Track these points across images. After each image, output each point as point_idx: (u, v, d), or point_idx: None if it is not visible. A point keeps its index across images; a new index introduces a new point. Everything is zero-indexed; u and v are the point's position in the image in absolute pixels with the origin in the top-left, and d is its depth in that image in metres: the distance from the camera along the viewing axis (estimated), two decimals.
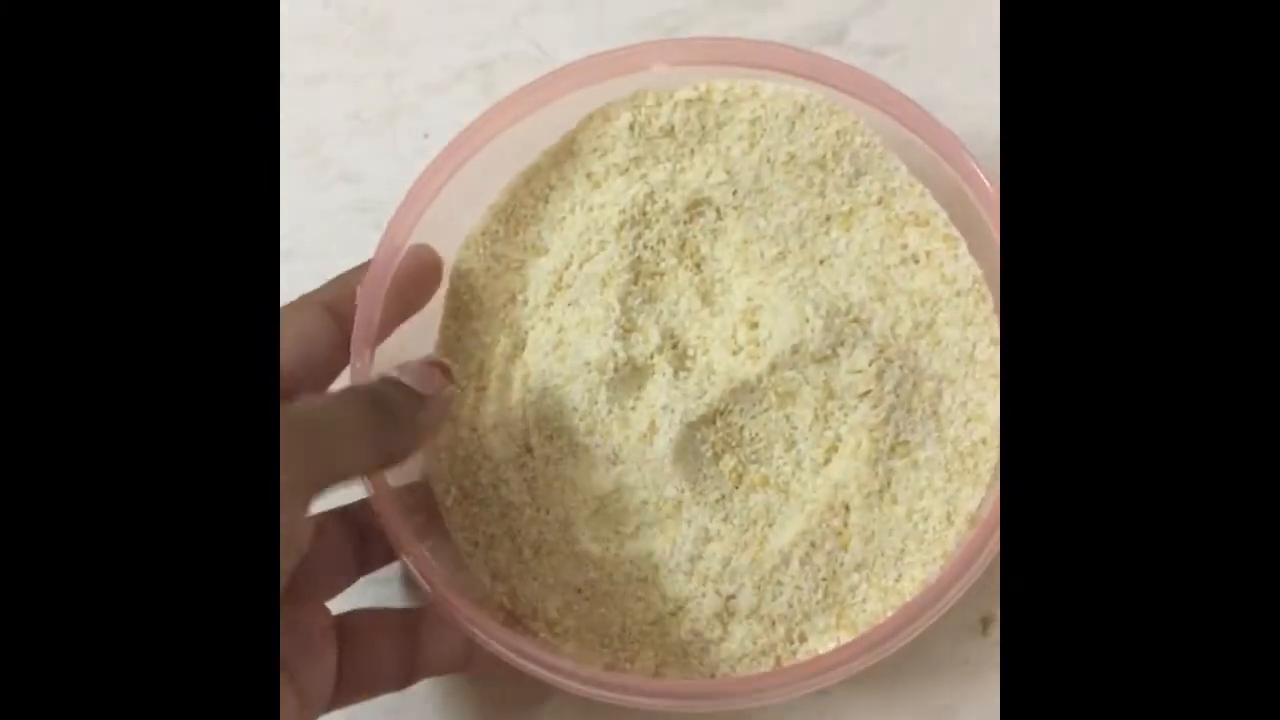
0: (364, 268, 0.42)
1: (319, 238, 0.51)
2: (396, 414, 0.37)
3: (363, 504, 0.40)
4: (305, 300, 0.42)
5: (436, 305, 0.45)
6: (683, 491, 0.40)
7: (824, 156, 0.43)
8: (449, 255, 0.45)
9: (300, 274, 0.50)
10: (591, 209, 0.44)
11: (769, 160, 0.43)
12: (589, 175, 0.44)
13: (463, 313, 0.44)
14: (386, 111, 0.52)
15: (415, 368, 0.39)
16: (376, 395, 0.37)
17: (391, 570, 0.44)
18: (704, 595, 0.40)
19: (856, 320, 0.41)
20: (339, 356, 0.41)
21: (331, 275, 0.46)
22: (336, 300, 0.41)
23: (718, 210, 0.43)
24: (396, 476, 0.40)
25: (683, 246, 0.43)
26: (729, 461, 0.41)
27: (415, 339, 0.44)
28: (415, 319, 0.44)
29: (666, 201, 0.43)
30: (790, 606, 0.40)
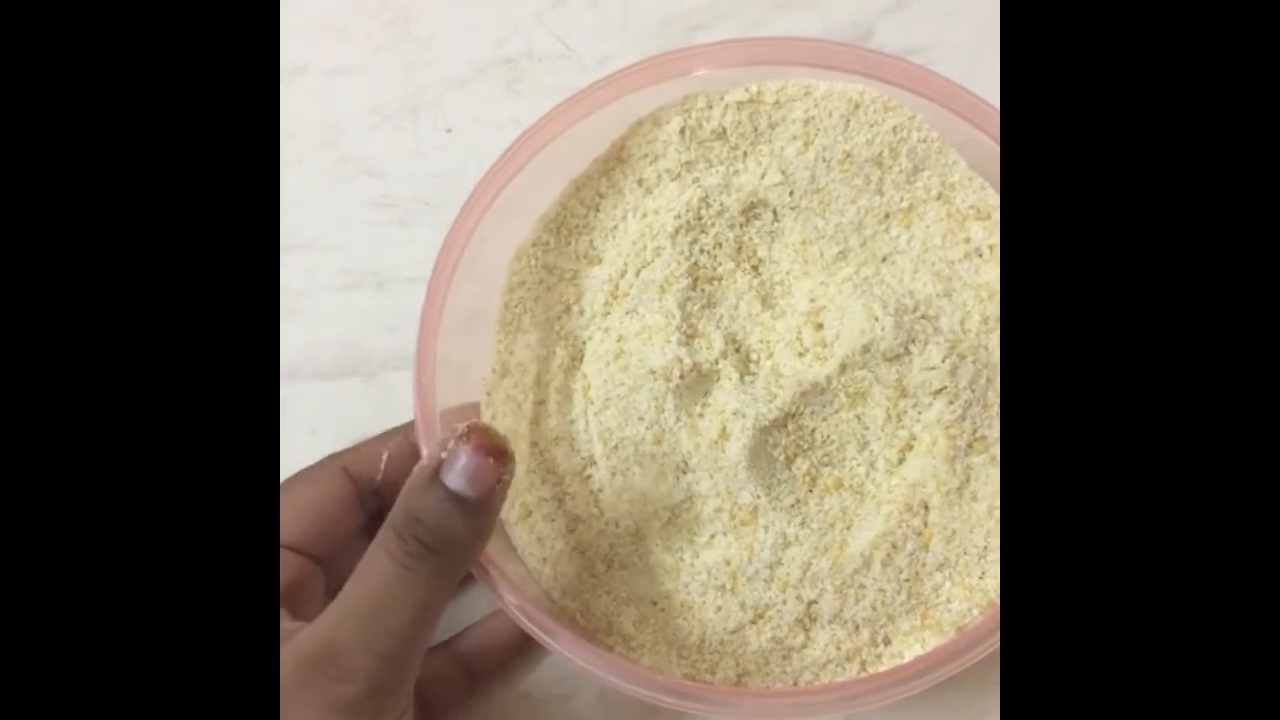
0: (393, 434, 0.42)
1: (339, 232, 0.50)
2: (449, 548, 0.35)
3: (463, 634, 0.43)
4: (326, 463, 0.41)
5: (490, 320, 0.44)
6: (758, 497, 0.40)
7: (880, 153, 0.43)
8: (497, 272, 0.44)
9: (320, 268, 0.50)
10: (645, 215, 0.43)
11: (824, 159, 0.43)
12: (640, 181, 0.44)
13: (515, 326, 0.44)
14: (408, 106, 0.52)
15: (468, 466, 0.35)
16: (421, 540, 0.35)
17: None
18: (784, 602, 0.39)
19: (925, 317, 0.41)
20: (352, 516, 0.41)
21: (350, 270, 0.46)
22: (358, 463, 0.41)
23: (774, 212, 0.43)
24: None
25: (740, 250, 0.43)
26: (802, 465, 0.40)
27: (471, 357, 0.43)
28: (468, 338, 0.43)
29: (721, 205, 0.43)
30: (874, 609, 0.39)
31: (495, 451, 0.35)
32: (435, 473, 0.35)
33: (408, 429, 0.41)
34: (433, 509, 0.35)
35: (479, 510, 0.35)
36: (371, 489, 0.41)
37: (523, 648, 0.43)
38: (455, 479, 0.35)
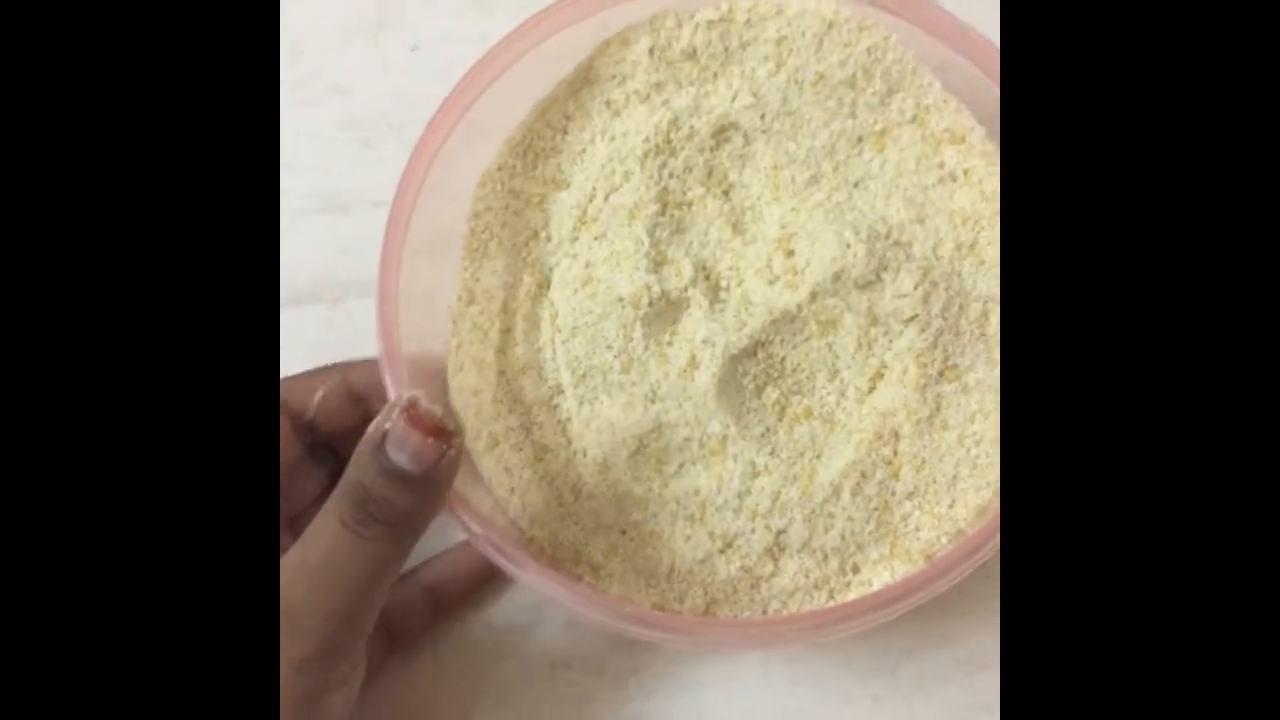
0: (330, 372, 0.41)
1: (301, 153, 0.49)
2: (395, 519, 0.34)
3: (429, 564, 0.43)
4: None
5: (455, 246, 0.43)
6: (728, 426, 0.39)
7: (854, 75, 0.42)
8: (465, 194, 0.43)
9: (287, 190, 0.48)
10: (613, 138, 0.42)
11: (797, 81, 0.42)
12: (608, 104, 0.43)
13: (481, 252, 0.43)
14: (373, 22, 0.50)
15: (410, 441, 0.34)
16: (368, 510, 0.34)
17: None
18: (753, 531, 0.39)
19: (898, 243, 0.40)
20: (289, 449, 0.40)
21: (313, 194, 0.46)
22: (292, 396, 0.41)
23: (745, 135, 0.42)
24: None
25: (710, 174, 0.42)
26: (772, 394, 0.40)
27: (437, 283, 0.42)
28: (435, 262, 0.42)
29: (691, 128, 0.42)
30: (843, 539, 0.39)
31: (434, 431, 0.34)
32: (380, 443, 0.34)
33: (345, 369, 0.41)
34: (376, 481, 0.34)
35: (423, 485, 0.34)
36: (305, 422, 0.41)
37: (489, 576, 0.43)
38: (396, 454, 0.34)
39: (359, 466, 0.34)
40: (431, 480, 0.34)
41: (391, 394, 0.38)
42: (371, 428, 0.35)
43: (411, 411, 0.34)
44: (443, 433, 0.34)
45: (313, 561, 0.34)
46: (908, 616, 0.39)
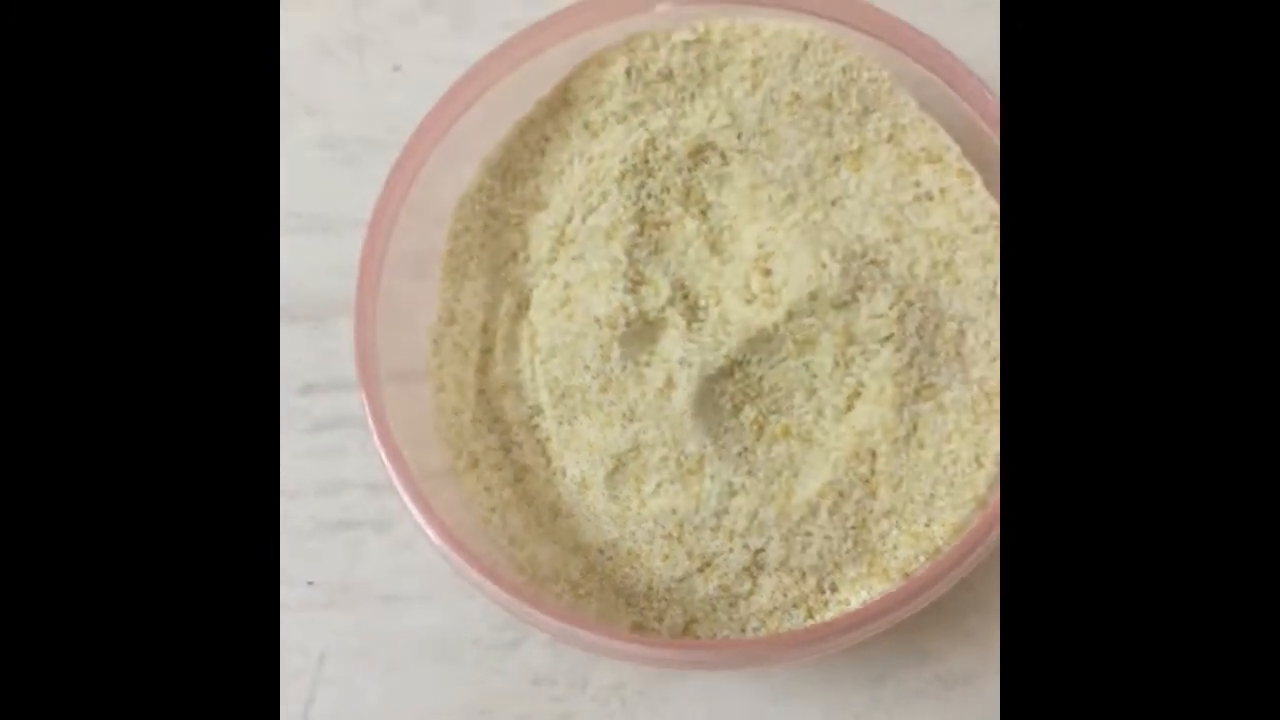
0: None
1: (289, 172, 0.48)
2: None
3: None
4: None
5: (437, 267, 0.43)
6: (704, 446, 0.40)
7: (830, 95, 0.42)
8: (447, 214, 0.43)
9: None
10: (591, 159, 0.43)
11: (773, 101, 0.42)
12: (586, 125, 0.43)
13: (461, 273, 0.43)
14: (355, 41, 0.50)
15: None
16: None
17: (406, 534, 0.43)
18: (731, 550, 0.39)
19: (874, 262, 0.41)
20: None
21: (297, 213, 0.47)
22: None
23: (722, 155, 0.42)
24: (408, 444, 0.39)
25: (688, 194, 0.42)
26: (749, 413, 0.40)
27: (417, 302, 0.43)
28: (415, 283, 0.42)
29: (669, 148, 0.42)
30: (820, 557, 0.39)
31: None
32: None
33: None
34: None
35: None
36: None
37: None
38: None
39: None
40: None
41: (369, 414, 0.39)
42: None
43: None
44: None
45: None
46: (888, 633, 0.39)
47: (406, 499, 0.38)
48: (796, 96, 0.42)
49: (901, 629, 0.39)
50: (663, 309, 0.41)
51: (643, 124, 0.43)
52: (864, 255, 0.41)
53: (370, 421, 0.39)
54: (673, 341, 0.40)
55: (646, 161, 0.42)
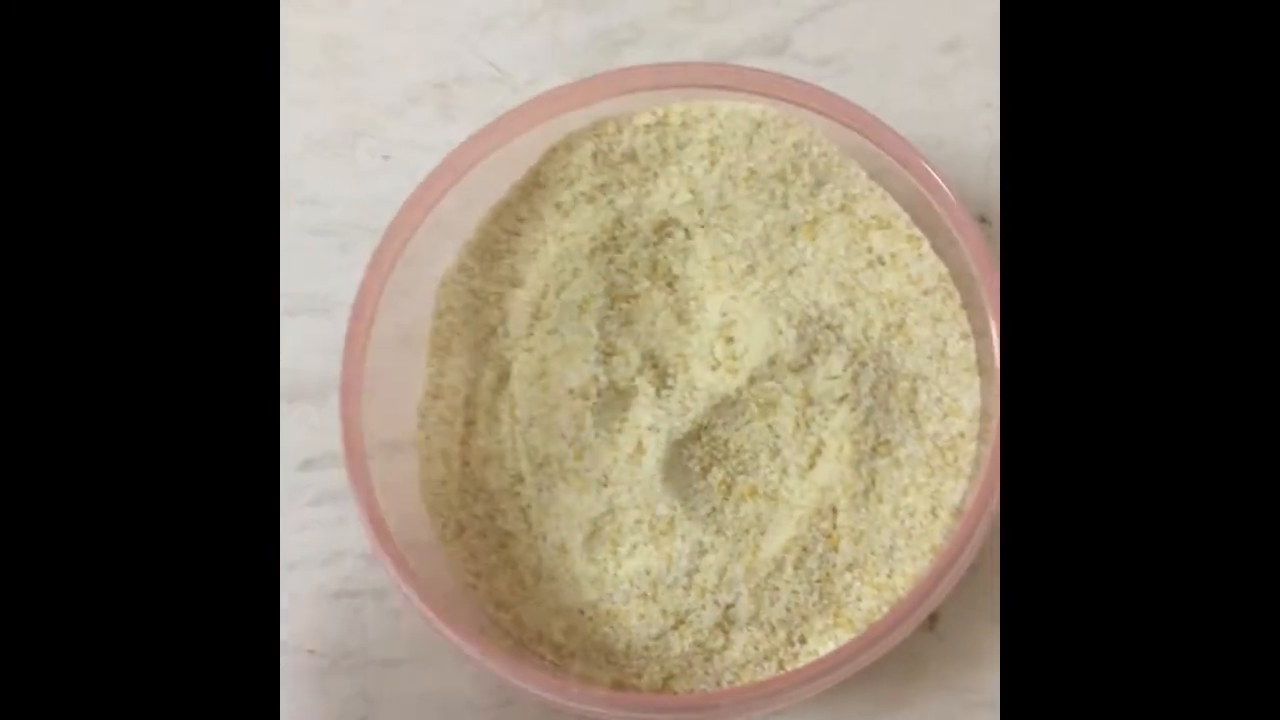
0: None
1: (286, 257, 0.50)
2: None
3: None
4: None
5: (422, 345, 0.45)
6: (674, 508, 0.41)
7: (784, 169, 0.44)
8: (430, 294, 0.45)
9: None
10: (563, 238, 0.45)
11: (730, 177, 0.44)
12: (558, 205, 0.45)
13: (445, 349, 0.45)
14: (349, 134, 0.53)
15: None
16: None
17: (403, 601, 0.45)
18: (704, 607, 0.41)
19: (829, 326, 0.43)
20: None
21: (293, 295, 0.48)
22: None
23: (685, 230, 0.45)
24: (397, 514, 0.41)
25: (655, 268, 0.45)
26: (717, 474, 0.42)
27: (404, 377, 0.45)
28: (404, 359, 0.45)
29: (635, 225, 0.44)
30: (788, 610, 0.41)
31: None
32: None
33: None
34: None
35: None
36: None
37: None
38: None
39: None
40: None
41: (354, 491, 0.41)
42: None
43: None
44: None
45: None
46: (863, 682, 0.40)
47: (392, 571, 0.40)
48: (752, 172, 0.44)
49: (875, 677, 0.41)
50: (633, 378, 0.43)
51: (610, 203, 0.45)
52: (819, 320, 0.43)
53: (354, 496, 0.41)
54: (642, 408, 0.42)
55: (615, 238, 0.44)
